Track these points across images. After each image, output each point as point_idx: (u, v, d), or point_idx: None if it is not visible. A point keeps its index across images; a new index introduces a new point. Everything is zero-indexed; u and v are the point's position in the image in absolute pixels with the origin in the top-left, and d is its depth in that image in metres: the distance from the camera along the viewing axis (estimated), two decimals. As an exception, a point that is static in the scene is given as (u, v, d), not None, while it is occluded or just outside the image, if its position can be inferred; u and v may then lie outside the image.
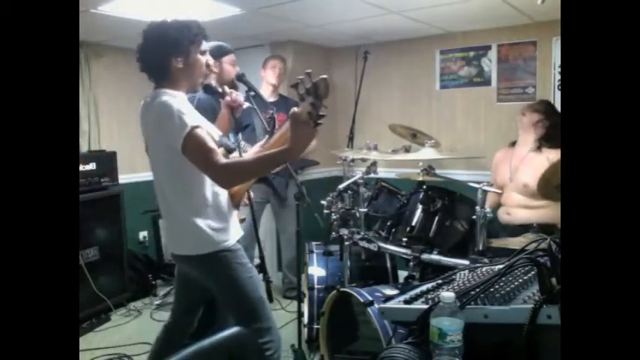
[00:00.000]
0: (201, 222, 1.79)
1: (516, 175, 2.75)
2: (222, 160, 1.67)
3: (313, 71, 1.51)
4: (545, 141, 2.71)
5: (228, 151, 1.94)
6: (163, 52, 1.75)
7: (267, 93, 3.54)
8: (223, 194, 1.88)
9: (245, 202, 2.16)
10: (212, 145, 1.68)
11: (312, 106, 1.49)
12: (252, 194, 2.25)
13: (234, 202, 1.95)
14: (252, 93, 2.49)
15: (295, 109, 1.56)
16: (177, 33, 1.75)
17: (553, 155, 2.58)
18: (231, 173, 1.67)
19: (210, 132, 1.77)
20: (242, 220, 2.11)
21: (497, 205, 2.85)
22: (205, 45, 1.86)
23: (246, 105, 2.21)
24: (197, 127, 1.67)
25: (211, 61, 1.90)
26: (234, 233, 1.90)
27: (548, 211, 2.60)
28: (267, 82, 3.62)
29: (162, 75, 1.79)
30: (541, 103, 2.87)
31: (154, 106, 1.73)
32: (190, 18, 1.83)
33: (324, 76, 1.48)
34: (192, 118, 1.70)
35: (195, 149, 1.65)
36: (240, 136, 2.46)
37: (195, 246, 1.82)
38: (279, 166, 1.76)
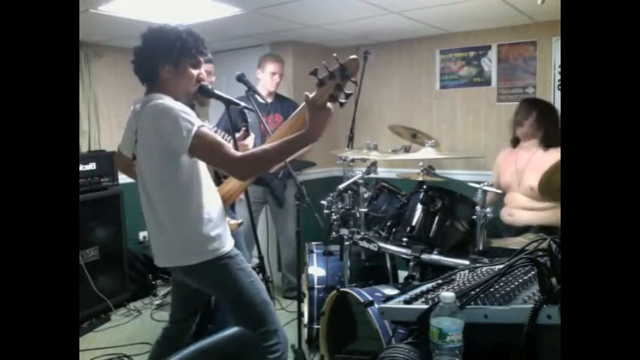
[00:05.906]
0: (198, 229, 1.76)
1: (523, 179, 2.75)
2: (237, 152, 1.66)
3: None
4: (548, 140, 2.71)
5: None
6: (153, 59, 1.74)
7: (263, 94, 3.49)
8: (218, 200, 1.86)
9: (240, 198, 2.13)
10: (221, 139, 1.68)
11: (337, 87, 1.50)
12: (249, 193, 2.25)
13: (226, 207, 1.92)
14: (252, 93, 2.50)
15: (308, 93, 1.57)
16: (169, 42, 1.72)
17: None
18: (249, 164, 1.65)
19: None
20: (239, 225, 2.09)
21: (497, 201, 2.83)
22: (203, 58, 1.83)
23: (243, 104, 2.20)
24: (202, 125, 1.66)
25: (204, 76, 1.87)
26: (229, 239, 1.88)
27: (552, 214, 2.59)
28: (264, 86, 3.49)
29: (152, 80, 1.77)
30: (526, 107, 2.81)
31: (148, 111, 1.69)
32: (192, 24, 1.82)
33: (354, 57, 1.49)
34: (194, 117, 1.68)
35: (206, 146, 1.63)
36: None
37: (194, 254, 1.77)
38: (297, 151, 1.73)
